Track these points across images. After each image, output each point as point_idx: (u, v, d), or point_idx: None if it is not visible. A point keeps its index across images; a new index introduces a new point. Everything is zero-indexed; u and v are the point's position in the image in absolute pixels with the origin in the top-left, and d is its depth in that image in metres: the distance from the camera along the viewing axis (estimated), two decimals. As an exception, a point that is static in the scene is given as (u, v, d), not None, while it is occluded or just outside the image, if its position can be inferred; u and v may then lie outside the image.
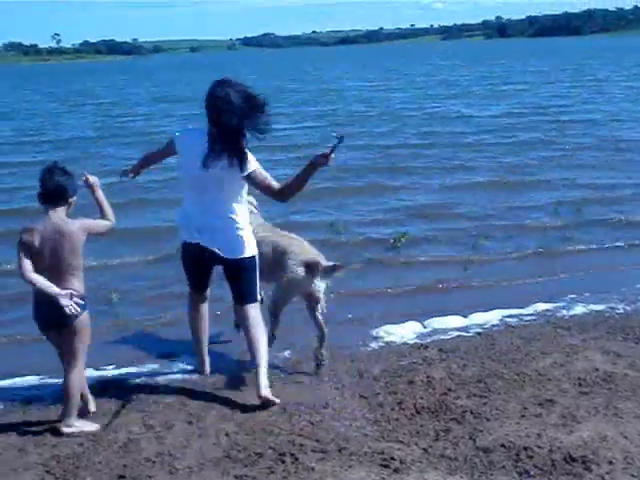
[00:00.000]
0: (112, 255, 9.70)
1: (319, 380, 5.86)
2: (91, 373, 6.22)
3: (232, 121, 5.14)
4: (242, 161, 5.26)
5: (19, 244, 4.81)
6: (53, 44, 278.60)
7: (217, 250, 5.48)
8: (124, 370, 6.34)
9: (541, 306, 7.65)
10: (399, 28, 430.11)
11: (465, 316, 7.38)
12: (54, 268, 4.84)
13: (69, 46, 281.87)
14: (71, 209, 5.03)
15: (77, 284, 4.95)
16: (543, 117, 24.11)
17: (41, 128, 26.89)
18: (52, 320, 4.95)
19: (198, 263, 5.71)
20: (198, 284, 5.87)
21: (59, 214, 4.91)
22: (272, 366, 6.17)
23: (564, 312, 7.49)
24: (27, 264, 4.79)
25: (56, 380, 6.10)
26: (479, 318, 7.34)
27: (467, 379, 5.70)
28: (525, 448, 4.51)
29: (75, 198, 5.01)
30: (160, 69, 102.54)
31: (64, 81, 73.94)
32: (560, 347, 6.36)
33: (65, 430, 5.04)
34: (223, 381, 5.95)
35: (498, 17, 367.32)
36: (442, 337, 6.85)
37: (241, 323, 5.85)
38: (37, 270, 4.79)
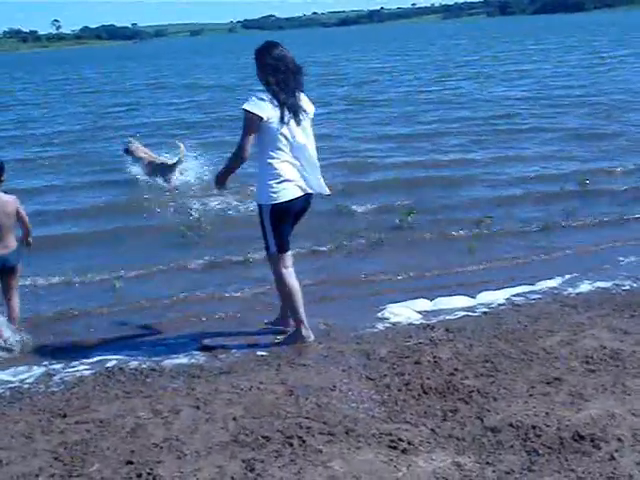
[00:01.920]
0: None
1: (326, 362, 5.84)
2: (97, 358, 6.27)
3: (298, 76, 5.92)
4: (308, 108, 6.04)
5: None
6: (53, 30, 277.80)
7: (321, 192, 6.15)
8: (130, 355, 6.33)
9: (547, 284, 7.62)
10: (400, 8, 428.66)
11: (471, 296, 7.35)
12: None
13: (69, 32, 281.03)
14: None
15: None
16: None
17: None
18: None
19: (295, 218, 6.14)
20: (288, 242, 6.14)
21: None
22: (276, 349, 6.20)
23: (570, 290, 7.46)
24: None
25: (62, 367, 6.15)
26: (485, 297, 7.31)
27: (474, 359, 5.67)
28: (533, 427, 4.49)
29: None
30: (160, 54, 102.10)
31: (60, 68, 73.65)
32: (567, 325, 6.33)
33: None
34: (229, 365, 5.93)
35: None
36: (448, 317, 6.82)
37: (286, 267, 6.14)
38: None
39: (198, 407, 5.14)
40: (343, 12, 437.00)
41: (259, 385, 5.44)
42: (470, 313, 6.90)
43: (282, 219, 5.97)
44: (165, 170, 13.08)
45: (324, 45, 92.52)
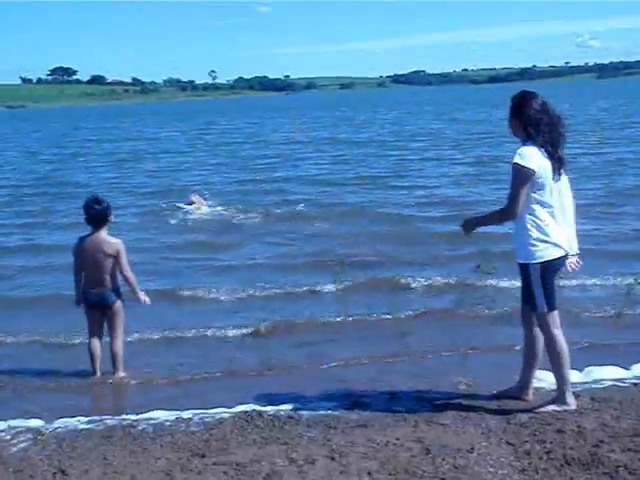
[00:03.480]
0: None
1: (464, 423, 5.70)
2: (236, 401, 6.36)
3: (560, 128, 5.68)
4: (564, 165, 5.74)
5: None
6: (209, 80, 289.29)
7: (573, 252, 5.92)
8: (268, 401, 6.40)
9: None
10: (552, 66, 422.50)
11: (624, 367, 6.99)
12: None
13: (224, 82, 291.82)
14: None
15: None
16: None
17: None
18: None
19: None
20: (555, 299, 5.87)
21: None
22: (414, 406, 6.11)
23: None
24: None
25: (203, 408, 6.28)
26: (638, 369, 6.96)
27: (621, 431, 5.40)
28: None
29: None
30: (311, 105, 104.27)
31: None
32: None
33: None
34: (366, 418, 5.89)
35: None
36: (595, 386, 6.53)
37: (557, 327, 5.91)
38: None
39: (333, 458, 5.12)
40: (493, 69, 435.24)
41: (395, 441, 5.37)
42: (619, 384, 6.58)
43: (550, 277, 5.76)
44: None
45: (480, 101, 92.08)
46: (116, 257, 7.01)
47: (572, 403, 5.92)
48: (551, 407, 5.91)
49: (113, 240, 7.11)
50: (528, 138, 5.61)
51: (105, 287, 7.05)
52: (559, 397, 5.96)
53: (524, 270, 5.79)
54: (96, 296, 7.08)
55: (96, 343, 7.22)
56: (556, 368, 5.92)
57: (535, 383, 6.33)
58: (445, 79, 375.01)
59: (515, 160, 5.54)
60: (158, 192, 20.40)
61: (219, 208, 16.99)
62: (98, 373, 7.19)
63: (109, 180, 23.90)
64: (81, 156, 33.16)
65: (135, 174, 25.18)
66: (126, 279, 7.12)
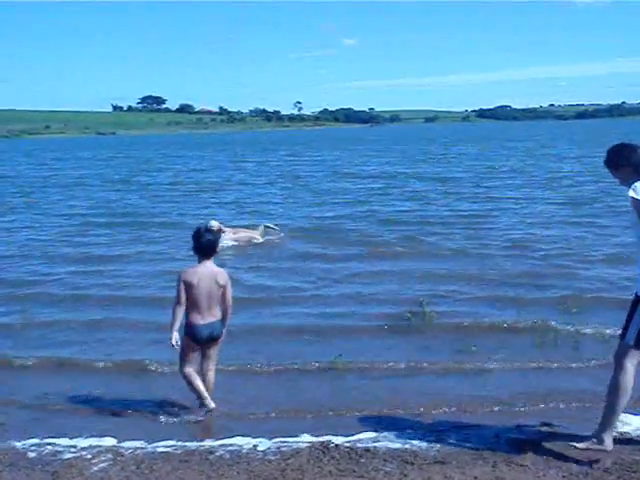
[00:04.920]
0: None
1: (545, 465, 5.57)
2: (313, 432, 6.34)
3: None
4: None
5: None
6: (295, 111, 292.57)
7: None
8: (345, 432, 6.35)
9: None
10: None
11: None
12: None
13: (309, 113, 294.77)
14: None
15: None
16: None
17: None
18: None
19: None
20: None
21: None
22: (493, 444, 6.00)
23: None
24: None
25: (279, 437, 6.27)
26: None
27: None
28: None
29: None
30: (396, 139, 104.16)
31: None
32: None
33: None
34: (444, 454, 5.80)
35: None
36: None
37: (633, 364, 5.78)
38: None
39: (411, 494, 5.06)
40: (581, 105, 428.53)
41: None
42: None
43: None
44: None
45: (568, 138, 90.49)
46: (224, 287, 6.88)
47: (609, 445, 5.77)
48: (585, 444, 5.82)
49: (222, 270, 7.01)
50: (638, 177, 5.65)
51: (216, 318, 6.87)
52: (598, 435, 5.82)
53: (635, 302, 5.72)
54: (207, 328, 6.81)
55: (195, 373, 6.98)
56: (610, 402, 5.79)
57: (620, 427, 6.14)
58: (531, 114, 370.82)
59: (630, 194, 5.54)
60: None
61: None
62: (212, 405, 6.90)
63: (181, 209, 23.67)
64: (166, 185, 33.50)
65: (208, 204, 25.01)
66: (226, 310, 6.97)
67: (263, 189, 29.61)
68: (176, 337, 6.72)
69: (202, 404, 6.90)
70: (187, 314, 6.80)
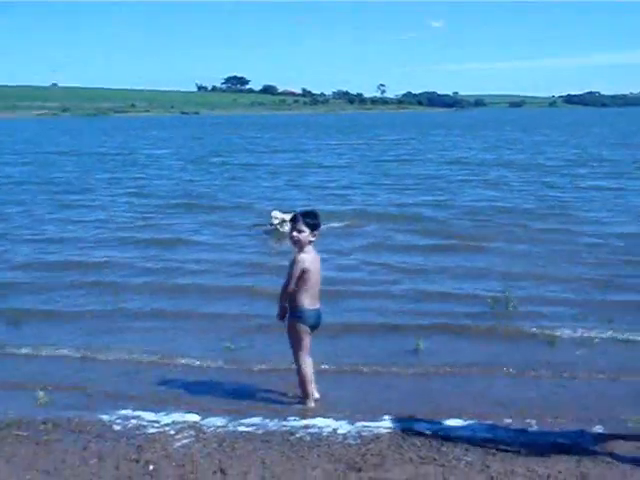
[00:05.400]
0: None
1: (633, 463, 5.42)
2: (394, 417, 6.31)
3: None
4: None
5: None
6: (377, 94, 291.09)
7: None
8: (425, 419, 6.31)
9: None
10: None
11: None
12: None
13: (392, 97, 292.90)
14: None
15: None
16: None
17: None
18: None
19: None
20: None
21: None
22: (578, 439, 5.88)
23: None
24: None
25: (360, 421, 6.27)
26: None
27: None
28: None
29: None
30: (480, 124, 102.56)
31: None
32: None
33: None
34: (528, 446, 5.71)
35: None
36: None
37: None
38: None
39: (490, 486, 5.00)
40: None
41: (557, 474, 5.21)
42: None
43: None
44: None
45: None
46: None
47: None
48: None
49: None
50: None
51: (320, 305, 6.78)
52: None
53: None
54: (318, 315, 6.69)
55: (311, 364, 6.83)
56: None
57: None
58: (620, 101, 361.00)
59: None
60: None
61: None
62: (317, 395, 6.81)
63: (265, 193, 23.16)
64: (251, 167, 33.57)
65: (288, 186, 24.64)
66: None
67: (343, 172, 29.45)
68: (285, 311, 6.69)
69: (305, 396, 6.78)
70: (300, 300, 6.58)
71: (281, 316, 6.71)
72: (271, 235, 15.49)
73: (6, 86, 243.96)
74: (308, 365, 6.73)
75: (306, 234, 6.55)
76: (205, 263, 13.00)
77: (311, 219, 6.60)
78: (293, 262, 6.56)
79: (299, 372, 6.75)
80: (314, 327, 6.70)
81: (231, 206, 20.04)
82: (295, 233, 6.57)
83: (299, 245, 6.58)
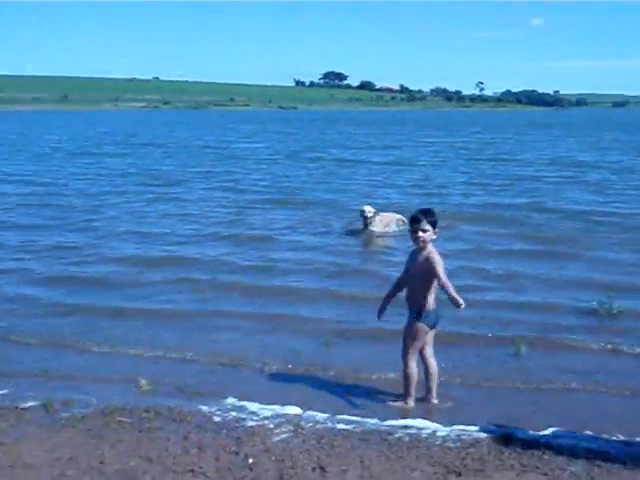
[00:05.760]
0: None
1: None
2: (492, 423, 6.21)
3: None
4: None
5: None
6: (476, 92, 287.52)
7: None
8: (530, 426, 6.19)
9: None
10: None
11: None
12: None
13: (491, 94, 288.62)
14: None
15: None
16: None
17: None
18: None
19: None
20: None
21: None
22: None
23: None
24: None
25: (460, 425, 6.18)
26: None
27: None
28: None
29: None
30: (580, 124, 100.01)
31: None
32: None
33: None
34: (637, 458, 5.53)
35: None
36: None
37: None
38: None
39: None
40: None
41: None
42: None
43: None
44: None
45: None
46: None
47: None
48: None
49: None
50: None
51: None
52: None
53: None
54: (437, 315, 6.63)
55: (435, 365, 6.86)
56: None
57: None
58: None
59: None
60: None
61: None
62: (435, 400, 6.81)
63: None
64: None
65: (384, 186, 23.99)
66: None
67: (439, 170, 29.10)
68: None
69: (407, 395, 6.73)
70: (426, 300, 6.51)
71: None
72: (360, 234, 15.24)
73: (110, 79, 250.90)
74: (414, 368, 6.67)
75: (430, 232, 6.49)
76: (294, 262, 12.80)
77: (432, 217, 6.54)
78: (428, 261, 6.43)
79: (405, 371, 6.71)
80: (432, 327, 6.64)
81: (324, 202, 19.90)
82: (420, 233, 6.46)
83: (424, 244, 6.50)
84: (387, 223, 15.55)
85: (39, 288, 11.10)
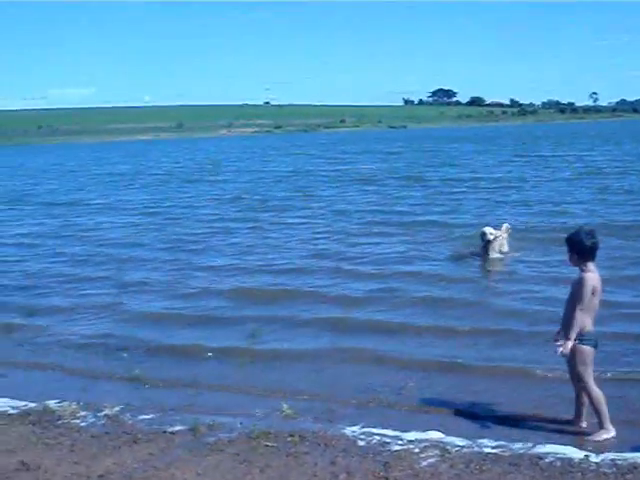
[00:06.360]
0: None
1: None
2: None
3: None
4: None
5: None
6: (590, 102, 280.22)
7: None
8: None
9: None
10: None
11: None
12: None
13: (605, 104, 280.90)
14: None
15: None
16: None
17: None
18: None
19: None
20: None
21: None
22: None
23: None
24: None
25: (616, 454, 5.98)
26: None
27: None
28: None
29: None
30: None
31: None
32: None
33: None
34: None
35: None
36: None
37: None
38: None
39: None
40: None
41: None
42: None
43: None
44: None
45: None
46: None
47: None
48: None
49: None
50: None
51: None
52: None
53: None
54: (596, 337, 6.42)
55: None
56: None
57: None
58: None
59: None
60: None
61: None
62: (584, 424, 6.59)
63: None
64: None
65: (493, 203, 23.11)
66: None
67: (562, 185, 28.00)
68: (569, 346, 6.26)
69: (602, 426, 6.38)
70: (586, 322, 6.29)
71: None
72: (481, 258, 14.62)
73: (222, 105, 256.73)
74: (600, 393, 6.38)
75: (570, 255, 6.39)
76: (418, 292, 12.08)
77: (569, 241, 6.39)
78: (578, 282, 6.32)
79: (591, 397, 6.39)
80: (595, 347, 6.39)
81: (439, 223, 19.26)
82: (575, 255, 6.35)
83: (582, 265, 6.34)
84: (501, 242, 14.88)
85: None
